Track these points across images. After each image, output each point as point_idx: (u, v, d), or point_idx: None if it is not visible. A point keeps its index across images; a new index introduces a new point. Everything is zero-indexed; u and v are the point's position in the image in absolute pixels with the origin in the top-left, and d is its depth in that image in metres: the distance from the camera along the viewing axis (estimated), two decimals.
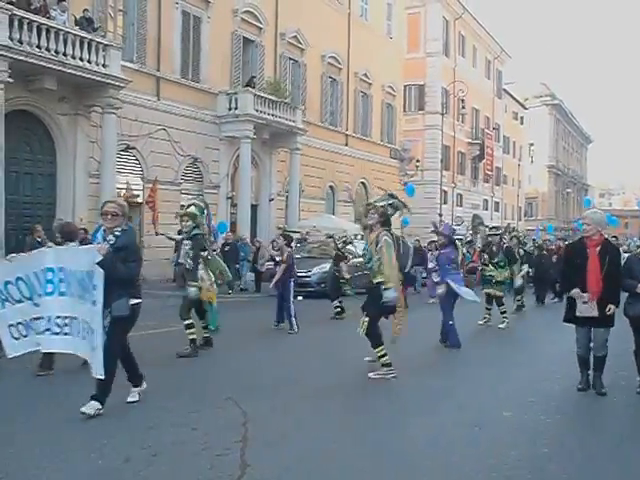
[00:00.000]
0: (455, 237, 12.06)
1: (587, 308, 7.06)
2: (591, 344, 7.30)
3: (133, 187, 22.77)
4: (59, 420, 5.86)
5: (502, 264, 13.79)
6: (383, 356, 7.98)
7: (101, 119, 20.23)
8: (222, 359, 9.00)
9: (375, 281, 7.96)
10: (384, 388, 7.54)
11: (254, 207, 27.43)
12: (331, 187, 33.54)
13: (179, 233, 10.67)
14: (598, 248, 7.18)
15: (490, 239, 14.24)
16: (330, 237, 17.90)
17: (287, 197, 28.90)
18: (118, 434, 5.46)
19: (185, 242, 9.52)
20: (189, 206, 9.69)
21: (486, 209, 56.06)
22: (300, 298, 18.72)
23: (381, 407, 6.68)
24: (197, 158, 25.09)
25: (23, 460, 4.83)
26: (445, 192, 45.45)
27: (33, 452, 5.00)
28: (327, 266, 18.66)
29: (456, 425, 5.95)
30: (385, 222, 8.06)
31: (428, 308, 15.98)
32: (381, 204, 8.19)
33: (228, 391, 6.97)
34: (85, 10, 19.71)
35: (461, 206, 49.92)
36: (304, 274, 19.48)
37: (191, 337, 9.21)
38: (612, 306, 7.03)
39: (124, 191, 22.28)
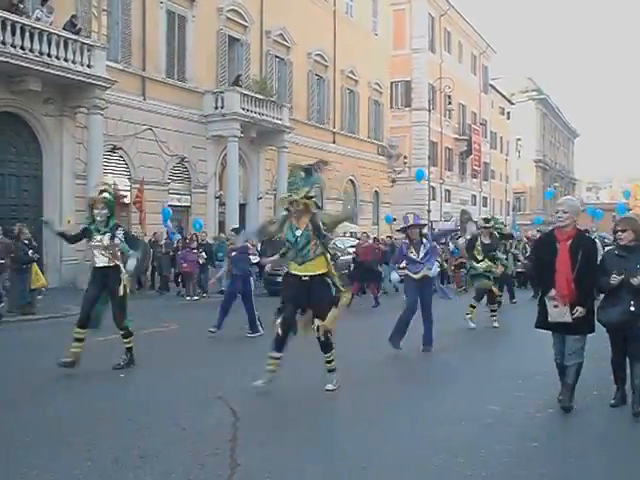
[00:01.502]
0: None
1: (558, 313, 6.13)
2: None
3: (120, 188, 22.57)
4: (46, 420, 5.83)
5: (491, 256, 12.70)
6: (332, 361, 7.12)
7: (87, 120, 20.14)
8: (211, 359, 8.97)
9: (316, 272, 6.90)
10: (373, 388, 7.53)
11: (242, 206, 27.38)
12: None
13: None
14: (569, 242, 6.16)
15: (480, 231, 13.06)
16: None
17: (275, 195, 28.86)
18: (107, 435, 5.43)
19: (99, 237, 8.12)
20: (102, 192, 8.35)
21: (474, 204, 56.19)
22: None
23: (370, 406, 6.67)
24: (184, 158, 25.01)
25: (10, 461, 4.79)
26: (433, 188, 45.47)
27: (19, 453, 4.96)
28: None
29: (442, 421, 5.95)
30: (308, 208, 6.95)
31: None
32: (301, 196, 6.84)
33: (218, 391, 6.95)
34: (73, 16, 19.59)
35: (449, 202, 50.03)
36: None
37: (128, 345, 8.30)
38: (579, 308, 6.05)
39: None
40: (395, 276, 10.53)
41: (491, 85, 62.09)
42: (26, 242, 14.52)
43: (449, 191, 51.00)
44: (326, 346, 7.03)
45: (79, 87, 19.38)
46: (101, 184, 8.82)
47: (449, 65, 48.87)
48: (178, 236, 20.66)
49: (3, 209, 18.66)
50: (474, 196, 56.99)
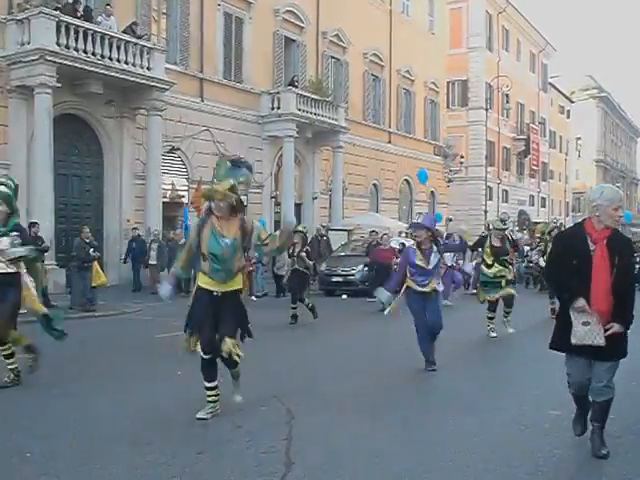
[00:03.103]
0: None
1: (588, 333, 4.74)
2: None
3: (178, 188, 23.07)
4: (103, 417, 5.96)
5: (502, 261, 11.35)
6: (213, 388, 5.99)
7: (146, 121, 20.54)
8: (265, 357, 9.03)
9: (232, 288, 5.90)
10: (427, 387, 7.50)
11: (298, 206, 27.52)
12: (375, 185, 33.48)
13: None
14: (605, 241, 4.82)
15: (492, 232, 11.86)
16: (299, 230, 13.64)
17: (330, 195, 28.93)
18: (164, 431, 5.52)
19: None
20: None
21: (532, 205, 55.32)
22: (345, 297, 18.78)
23: (425, 405, 6.63)
24: (241, 158, 25.23)
25: (72, 453, 4.92)
26: (490, 188, 45.00)
27: (79, 447, 5.08)
28: None
29: (499, 424, 5.87)
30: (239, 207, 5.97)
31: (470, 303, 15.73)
32: (228, 187, 5.73)
33: (273, 389, 7.00)
34: (134, 23, 20.01)
35: (507, 202, 49.34)
36: (348, 272, 19.48)
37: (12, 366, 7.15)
38: (616, 325, 4.74)
39: (169, 192, 22.61)
40: (384, 295, 8.31)
41: (550, 83, 60.97)
42: (87, 241, 14.92)
43: (506, 191, 50.29)
44: (234, 362, 5.92)
45: (139, 89, 19.78)
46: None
47: (507, 63, 48.15)
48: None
49: (66, 208, 19.20)
50: (532, 196, 56.08)
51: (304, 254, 13.17)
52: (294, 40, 27.94)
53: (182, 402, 6.54)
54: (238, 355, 5.79)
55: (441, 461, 4.88)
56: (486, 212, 40.57)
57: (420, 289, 8.16)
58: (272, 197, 26.55)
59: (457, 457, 4.98)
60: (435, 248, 8.18)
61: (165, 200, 21.86)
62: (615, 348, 4.80)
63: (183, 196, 23.14)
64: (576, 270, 4.82)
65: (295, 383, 7.45)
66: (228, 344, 5.70)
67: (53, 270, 16.88)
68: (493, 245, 11.28)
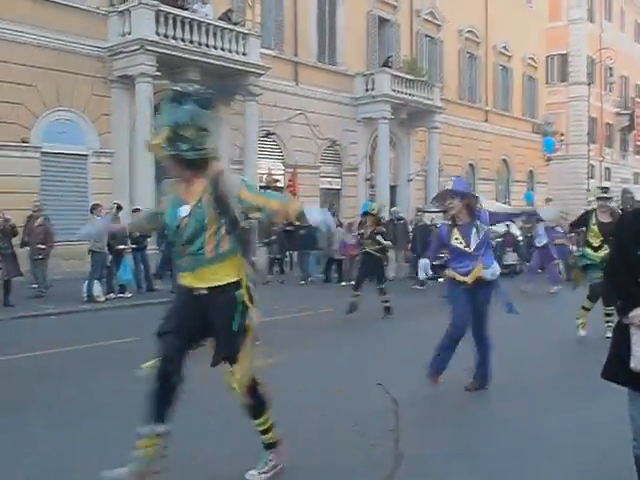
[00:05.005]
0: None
1: None
2: None
3: (274, 172, 23.27)
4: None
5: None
6: (268, 430, 4.31)
7: (242, 106, 20.76)
8: (365, 343, 8.95)
9: (220, 283, 3.93)
10: (521, 382, 7.25)
11: (393, 188, 27.31)
12: (471, 165, 32.82)
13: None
14: None
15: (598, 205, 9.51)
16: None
17: (426, 177, 28.55)
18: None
19: None
20: None
21: (637, 183, 52.97)
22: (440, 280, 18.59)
23: (519, 403, 6.40)
24: (335, 141, 25.24)
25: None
26: (592, 166, 43.34)
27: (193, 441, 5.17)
28: None
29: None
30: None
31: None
32: (162, 139, 3.97)
33: (375, 377, 6.90)
34: (229, 10, 20.25)
35: (609, 180, 47.35)
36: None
37: None
38: None
39: (265, 176, 22.84)
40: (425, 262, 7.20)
41: None
42: None
43: (609, 169, 48.36)
44: (254, 407, 4.20)
45: (235, 75, 20.02)
46: None
47: (610, 35, 46.10)
48: None
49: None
50: (637, 174, 53.72)
51: (380, 236, 11.81)
52: (388, 20, 27.60)
53: (284, 387, 6.55)
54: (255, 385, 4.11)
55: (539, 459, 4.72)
56: (588, 191, 39.18)
57: (463, 278, 6.35)
58: (367, 179, 26.43)
59: (543, 454, 4.80)
60: (478, 223, 6.27)
61: (262, 184, 22.07)
62: None
63: (279, 180, 23.33)
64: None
65: (394, 371, 7.32)
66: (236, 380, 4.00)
67: (156, 254, 17.36)
68: (601, 222, 9.09)
